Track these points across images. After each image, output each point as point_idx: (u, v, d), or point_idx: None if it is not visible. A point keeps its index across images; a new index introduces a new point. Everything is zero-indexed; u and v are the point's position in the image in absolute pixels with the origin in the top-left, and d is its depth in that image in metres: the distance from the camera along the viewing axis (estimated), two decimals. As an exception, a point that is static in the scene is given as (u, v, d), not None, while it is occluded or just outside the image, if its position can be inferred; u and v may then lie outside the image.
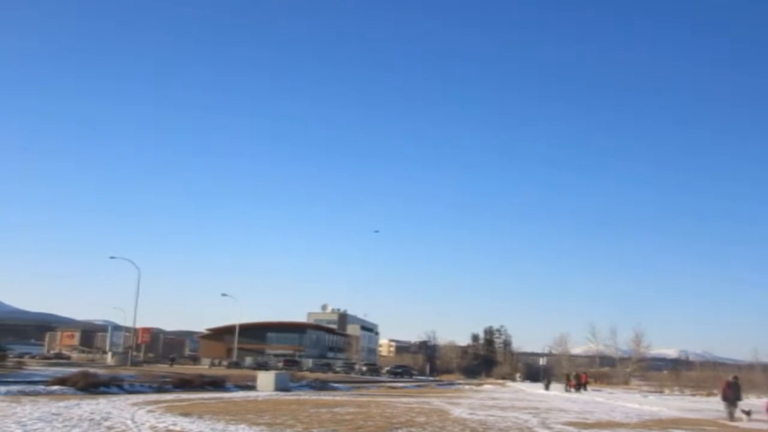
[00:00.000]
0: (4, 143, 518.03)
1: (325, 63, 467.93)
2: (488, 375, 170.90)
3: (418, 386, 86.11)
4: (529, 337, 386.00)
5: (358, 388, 70.09)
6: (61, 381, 46.32)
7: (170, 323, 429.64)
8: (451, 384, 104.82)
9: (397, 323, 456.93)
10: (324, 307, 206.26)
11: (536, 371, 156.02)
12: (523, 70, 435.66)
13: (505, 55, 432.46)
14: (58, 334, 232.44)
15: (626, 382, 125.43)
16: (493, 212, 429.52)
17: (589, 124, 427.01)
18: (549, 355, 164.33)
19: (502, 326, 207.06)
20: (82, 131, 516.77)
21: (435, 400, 46.43)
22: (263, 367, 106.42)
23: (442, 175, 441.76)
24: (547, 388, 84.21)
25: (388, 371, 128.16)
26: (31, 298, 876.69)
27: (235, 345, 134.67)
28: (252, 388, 54.45)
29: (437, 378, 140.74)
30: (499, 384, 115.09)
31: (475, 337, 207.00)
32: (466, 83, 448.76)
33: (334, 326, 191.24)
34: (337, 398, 44.21)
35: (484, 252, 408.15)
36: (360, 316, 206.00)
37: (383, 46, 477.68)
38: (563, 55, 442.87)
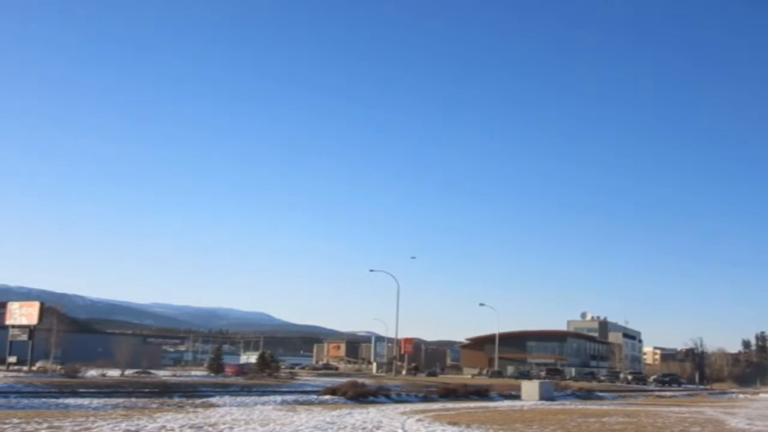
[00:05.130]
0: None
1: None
2: (763, 383, 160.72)
3: (688, 395, 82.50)
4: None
5: (625, 397, 68.25)
6: (332, 391, 48.34)
7: (430, 333, 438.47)
8: (723, 393, 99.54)
9: (661, 330, 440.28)
10: (583, 315, 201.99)
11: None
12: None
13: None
14: (325, 345, 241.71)
15: None
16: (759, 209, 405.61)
17: None
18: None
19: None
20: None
21: (708, 409, 44.26)
22: (526, 376, 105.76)
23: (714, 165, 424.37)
24: None
25: (654, 380, 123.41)
26: (298, 312, 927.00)
27: (496, 354, 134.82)
28: (516, 397, 54.29)
29: (707, 387, 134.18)
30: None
31: (746, 344, 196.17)
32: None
33: (594, 334, 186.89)
34: (604, 407, 43.20)
35: (753, 250, 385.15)
36: (621, 323, 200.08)
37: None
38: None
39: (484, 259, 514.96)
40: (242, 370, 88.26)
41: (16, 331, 74.00)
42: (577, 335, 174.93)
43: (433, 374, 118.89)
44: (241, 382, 62.23)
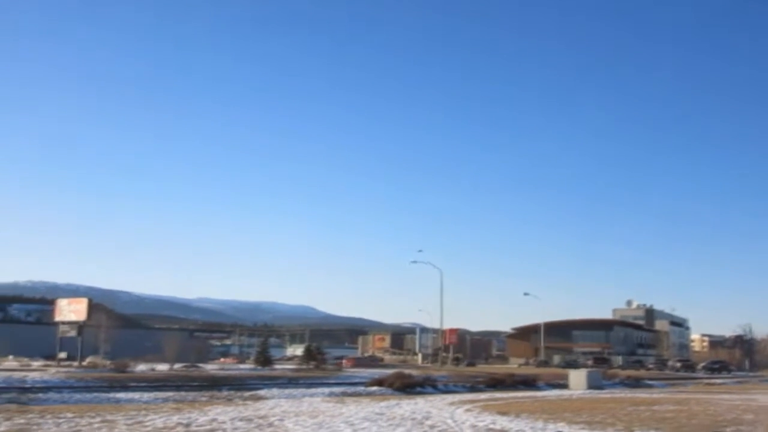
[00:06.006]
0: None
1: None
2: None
3: (738, 382, 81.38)
4: None
5: (674, 385, 67.67)
6: (379, 382, 48.47)
7: (475, 324, 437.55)
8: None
9: (709, 317, 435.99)
10: (629, 303, 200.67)
11: None
12: None
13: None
14: (370, 337, 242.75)
15: None
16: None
17: None
18: None
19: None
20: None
21: (760, 396, 43.62)
22: (572, 365, 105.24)
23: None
24: None
25: (703, 367, 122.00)
26: (342, 304, 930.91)
27: (542, 344, 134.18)
28: (563, 386, 54.06)
29: (757, 373, 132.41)
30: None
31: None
32: None
33: (641, 322, 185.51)
34: (654, 396, 42.82)
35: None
36: (667, 310, 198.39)
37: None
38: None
39: (527, 248, 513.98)
40: (360, 362, 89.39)
41: (65, 328, 75.05)
42: (624, 323, 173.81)
43: (471, 364, 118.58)
44: (288, 374, 62.53)
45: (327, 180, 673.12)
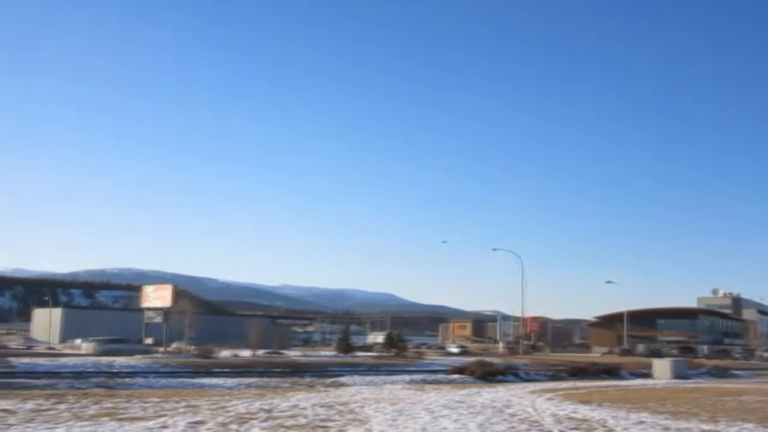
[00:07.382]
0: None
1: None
2: None
3: (830, 373, 79.24)
4: None
5: (761, 375, 66.18)
6: (460, 370, 48.43)
7: (557, 312, 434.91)
8: None
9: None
10: (715, 292, 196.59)
11: None
12: None
13: None
14: (451, 325, 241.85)
15: None
16: None
17: None
18: None
19: None
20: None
21: None
22: (656, 354, 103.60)
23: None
24: None
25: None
26: (423, 292, 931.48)
27: (625, 332, 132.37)
28: (647, 375, 53.32)
29: None
30: None
31: None
32: None
33: (727, 311, 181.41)
34: (740, 386, 41.95)
35: None
36: (755, 299, 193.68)
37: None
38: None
39: (609, 236, 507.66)
40: (513, 351, 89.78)
41: (151, 314, 76.91)
42: (709, 312, 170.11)
43: (527, 352, 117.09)
44: (369, 361, 62.97)
45: (408, 172, 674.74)
